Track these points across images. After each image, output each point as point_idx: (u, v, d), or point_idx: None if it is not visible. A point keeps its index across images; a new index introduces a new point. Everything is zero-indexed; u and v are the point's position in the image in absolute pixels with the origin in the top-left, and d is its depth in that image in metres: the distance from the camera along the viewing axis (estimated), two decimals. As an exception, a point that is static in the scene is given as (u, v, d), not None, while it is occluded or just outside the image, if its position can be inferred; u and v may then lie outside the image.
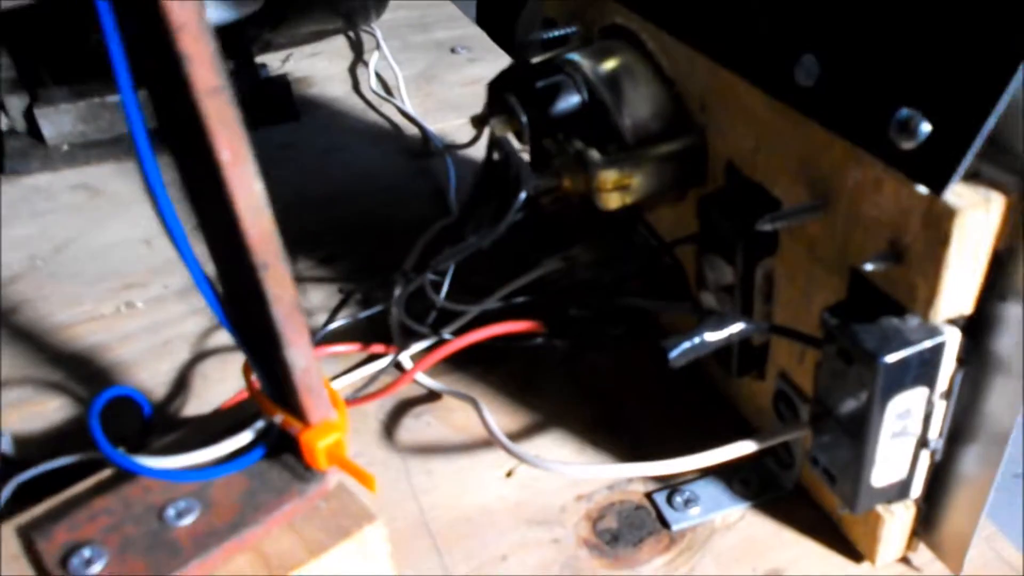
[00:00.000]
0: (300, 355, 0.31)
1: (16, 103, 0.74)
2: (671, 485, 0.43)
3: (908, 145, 0.28)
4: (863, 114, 0.29)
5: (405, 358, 0.49)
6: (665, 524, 0.42)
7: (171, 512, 0.34)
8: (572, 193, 0.40)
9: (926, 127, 0.27)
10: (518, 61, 0.43)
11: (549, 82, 0.40)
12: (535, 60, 0.43)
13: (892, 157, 0.28)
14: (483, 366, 0.50)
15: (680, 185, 0.40)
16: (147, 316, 0.57)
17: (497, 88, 0.42)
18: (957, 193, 0.28)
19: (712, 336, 0.33)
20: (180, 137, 0.28)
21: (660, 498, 0.43)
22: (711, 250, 0.38)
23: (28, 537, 0.35)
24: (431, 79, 0.84)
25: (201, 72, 0.25)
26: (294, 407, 0.33)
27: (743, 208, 0.36)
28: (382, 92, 0.80)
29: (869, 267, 0.30)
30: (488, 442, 0.46)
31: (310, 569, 0.34)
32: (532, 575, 0.40)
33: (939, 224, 0.28)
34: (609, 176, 0.39)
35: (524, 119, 0.40)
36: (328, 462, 0.33)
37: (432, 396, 0.49)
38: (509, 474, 0.45)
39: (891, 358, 0.30)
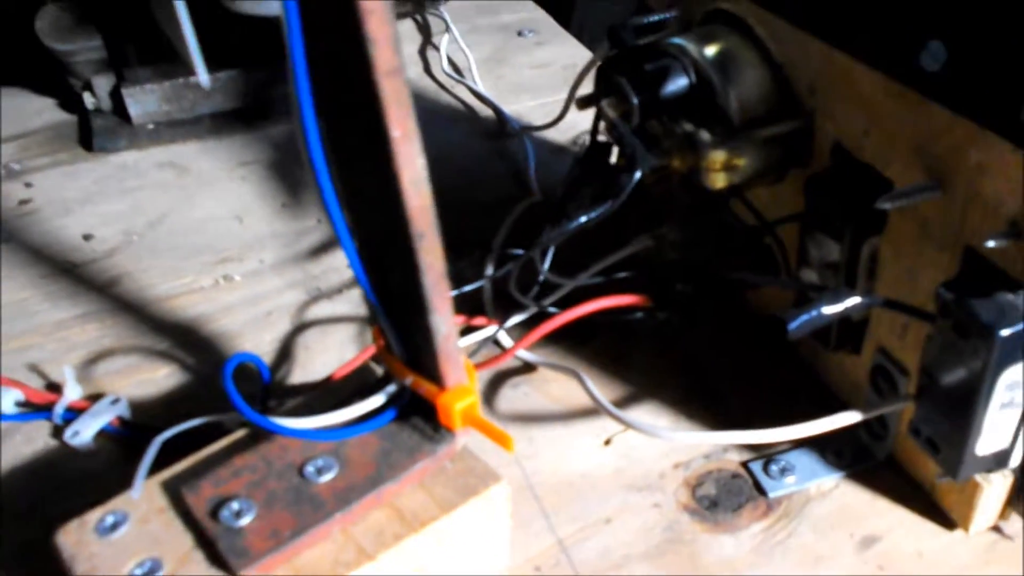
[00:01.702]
0: (443, 321, 0.33)
1: (103, 83, 0.76)
2: (766, 455, 0.45)
3: (1036, 127, 0.29)
4: (992, 98, 0.31)
5: (503, 334, 0.51)
6: (762, 492, 0.43)
7: (311, 469, 0.37)
8: (680, 172, 0.42)
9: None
10: (623, 44, 0.44)
11: (658, 65, 0.42)
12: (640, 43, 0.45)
13: (1021, 138, 0.30)
14: (576, 340, 0.52)
15: (784, 166, 0.42)
16: (246, 289, 0.59)
17: (607, 71, 0.44)
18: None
19: (829, 309, 0.35)
20: (349, 116, 0.30)
21: (756, 467, 0.44)
22: (817, 228, 0.40)
23: (176, 491, 0.37)
24: (501, 62, 0.85)
25: (384, 54, 0.27)
26: (430, 371, 0.35)
27: (853, 188, 0.38)
28: (454, 74, 0.82)
29: (991, 244, 0.31)
30: (585, 412, 0.48)
31: (442, 524, 0.36)
32: (636, 538, 0.42)
33: (1062, 203, 0.30)
34: (718, 156, 0.40)
35: (635, 101, 0.42)
36: (463, 423, 0.36)
37: (528, 368, 0.51)
38: (607, 442, 0.47)
39: (1007, 331, 0.32)
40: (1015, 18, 0.30)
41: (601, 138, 0.48)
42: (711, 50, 0.42)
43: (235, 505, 0.36)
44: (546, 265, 0.48)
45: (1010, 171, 0.31)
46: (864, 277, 0.39)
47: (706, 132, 0.41)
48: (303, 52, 0.28)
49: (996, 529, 0.41)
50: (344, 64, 0.28)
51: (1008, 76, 0.30)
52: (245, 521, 0.35)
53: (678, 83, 0.42)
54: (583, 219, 0.42)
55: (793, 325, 0.35)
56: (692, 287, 0.43)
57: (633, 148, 0.40)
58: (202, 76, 0.58)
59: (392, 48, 0.27)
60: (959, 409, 0.35)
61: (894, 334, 0.40)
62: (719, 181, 0.41)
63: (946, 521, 0.42)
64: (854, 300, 0.35)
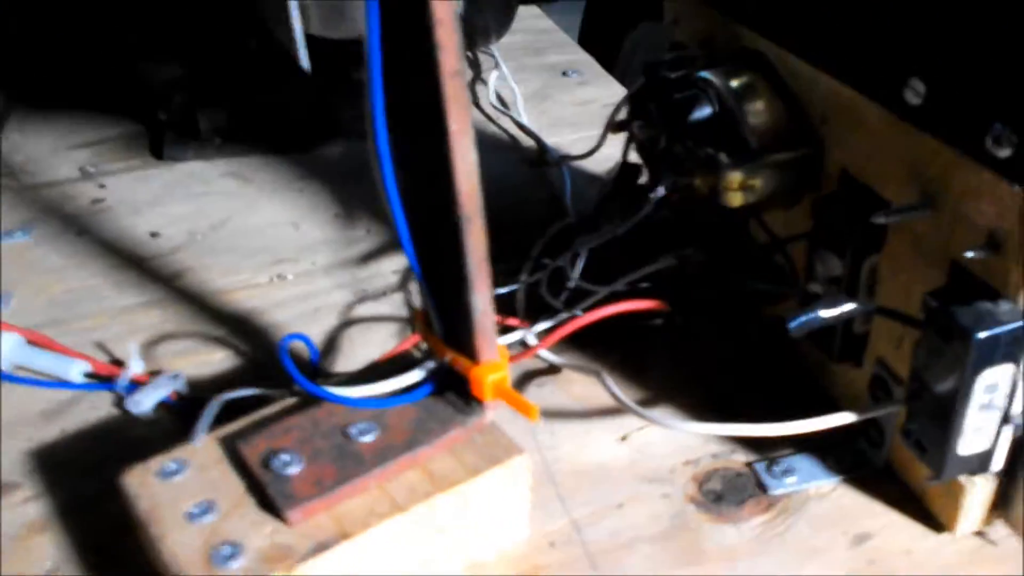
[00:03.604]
0: (482, 300, 0.38)
1: (177, 100, 0.83)
2: (770, 457, 0.48)
3: (1004, 153, 0.34)
4: (965, 128, 0.35)
5: (531, 335, 0.56)
6: (764, 489, 0.47)
7: (354, 431, 0.41)
8: (701, 193, 0.46)
9: (1015, 139, 0.33)
10: (657, 77, 0.49)
11: (685, 95, 0.46)
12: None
13: (991, 162, 0.34)
14: (599, 347, 0.56)
15: (797, 188, 0.46)
16: (297, 287, 0.64)
17: (638, 98, 0.48)
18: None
19: (826, 312, 0.39)
20: (412, 112, 0.34)
21: (760, 467, 0.48)
22: (823, 246, 0.44)
23: (232, 444, 0.42)
24: (545, 98, 0.91)
25: (449, 58, 0.31)
26: (466, 347, 0.40)
27: (856, 208, 0.42)
28: (500, 107, 0.87)
29: (970, 255, 0.35)
30: (604, 411, 0.52)
31: (468, 487, 0.40)
32: (645, 522, 0.46)
33: (1033, 219, 0.34)
34: (735, 177, 0.45)
35: (663, 126, 0.46)
36: (494, 395, 0.40)
37: (553, 369, 0.55)
38: (624, 438, 0.50)
39: (983, 334, 0.35)
40: (977, 58, 0.34)
41: (631, 160, 0.53)
42: (734, 83, 0.47)
43: (285, 457, 0.40)
44: (576, 272, 0.52)
45: (986, 191, 0.35)
46: (864, 291, 0.43)
47: (725, 155, 0.45)
48: (379, 54, 0.33)
49: (981, 534, 0.44)
50: (413, 68, 0.33)
51: (975, 108, 0.34)
52: (293, 471, 0.39)
53: (703, 111, 0.46)
54: (610, 228, 0.46)
55: (794, 324, 0.39)
56: (708, 294, 0.47)
57: (657, 168, 0.44)
58: (303, 62, 0.64)
59: (457, 53, 0.32)
60: (943, 410, 0.38)
61: (891, 345, 0.44)
62: (736, 200, 0.45)
63: (935, 524, 0.45)
64: (849, 305, 0.39)
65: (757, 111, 0.46)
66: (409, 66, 0.33)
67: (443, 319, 0.41)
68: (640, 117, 0.48)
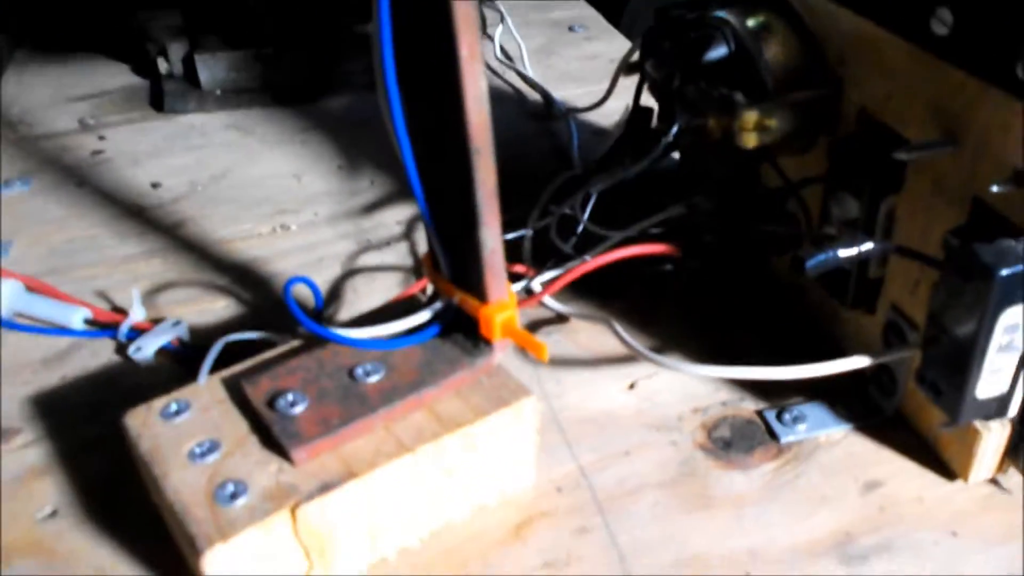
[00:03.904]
0: (491, 236, 0.37)
1: (176, 50, 0.81)
2: (780, 405, 0.48)
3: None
4: (993, 56, 0.34)
5: (537, 283, 0.55)
6: (774, 437, 0.46)
7: (360, 371, 0.40)
8: (714, 135, 0.45)
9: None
10: (670, 18, 0.48)
11: (701, 34, 0.45)
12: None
13: (1021, 91, 0.33)
14: (607, 296, 0.55)
15: (813, 130, 0.45)
16: (300, 237, 0.63)
17: (652, 39, 0.47)
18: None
19: (845, 251, 0.38)
20: (422, 37, 0.33)
21: (770, 415, 0.47)
22: (840, 187, 0.43)
23: (237, 384, 0.41)
24: (551, 53, 0.89)
25: (459, -23, 0.30)
26: (475, 286, 0.39)
27: (875, 147, 0.41)
28: (506, 61, 0.86)
29: (995, 189, 0.34)
30: (612, 359, 0.51)
31: (475, 428, 0.39)
32: (653, 469, 0.45)
33: (1061, 152, 0.33)
34: (751, 116, 0.44)
35: (677, 64, 0.45)
36: (503, 334, 0.39)
37: (560, 318, 0.54)
38: (631, 386, 0.50)
39: (1006, 271, 0.34)
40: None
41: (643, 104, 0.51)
42: (750, 22, 0.45)
43: (290, 396, 0.39)
44: (586, 215, 0.51)
45: (1014, 124, 0.34)
46: (881, 234, 0.42)
47: (741, 94, 0.44)
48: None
49: (994, 482, 0.43)
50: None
51: (1005, 35, 0.33)
52: (298, 410, 0.39)
53: (718, 51, 0.45)
54: (623, 170, 0.45)
55: (810, 263, 0.38)
56: (719, 238, 0.46)
57: (671, 107, 0.43)
58: None
59: (465, -26, 0.31)
60: (961, 352, 0.38)
61: (907, 290, 0.43)
62: (751, 140, 0.44)
63: (947, 472, 0.44)
64: (868, 244, 0.38)
65: (773, 50, 0.45)
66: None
67: (451, 259, 0.40)
68: (653, 57, 0.46)
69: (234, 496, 0.36)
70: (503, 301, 0.39)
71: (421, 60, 0.34)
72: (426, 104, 0.36)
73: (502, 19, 0.92)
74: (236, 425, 0.40)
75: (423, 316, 0.42)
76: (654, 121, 0.53)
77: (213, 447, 0.38)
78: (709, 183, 0.52)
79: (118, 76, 0.86)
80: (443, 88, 0.33)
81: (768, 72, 0.44)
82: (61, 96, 0.83)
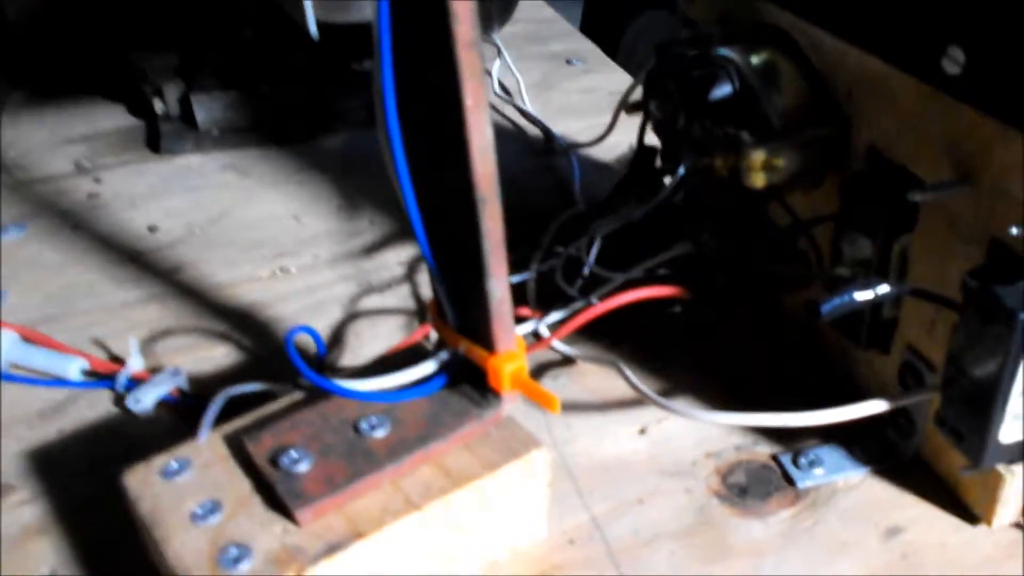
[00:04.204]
0: (499, 286, 0.36)
1: (172, 90, 0.81)
2: (795, 449, 0.47)
3: (1054, 124, 0.32)
4: (1010, 96, 0.33)
5: (543, 326, 0.54)
6: (790, 482, 0.45)
7: (365, 426, 0.39)
8: (720, 174, 0.45)
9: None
10: (671, 56, 0.47)
11: (704, 72, 0.45)
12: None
13: (1040, 133, 0.32)
14: (614, 338, 0.54)
15: (821, 168, 0.44)
16: (300, 280, 0.62)
17: (654, 78, 0.46)
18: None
19: (861, 295, 0.37)
20: (424, 91, 0.33)
21: (786, 459, 0.46)
22: (851, 227, 0.42)
23: (238, 441, 0.40)
24: (549, 87, 0.89)
25: (465, 28, 0.30)
26: (482, 336, 0.38)
27: (886, 187, 0.40)
28: (504, 95, 0.85)
29: (1015, 231, 0.33)
30: (621, 403, 0.50)
31: (485, 482, 0.38)
32: (668, 518, 0.44)
33: (1082, 193, 0.32)
34: (758, 156, 0.43)
35: (682, 104, 0.44)
36: (512, 385, 0.38)
37: (567, 361, 0.53)
38: (642, 431, 0.49)
39: (1029, 315, 0.34)
40: (1021, 23, 0.32)
41: (646, 143, 0.51)
42: (755, 60, 0.45)
43: (293, 454, 0.38)
44: (592, 258, 0.50)
45: (1034, 163, 0.33)
46: (895, 274, 0.41)
47: (747, 133, 0.43)
48: (390, 29, 0.31)
49: (1018, 526, 0.42)
50: (425, 40, 0.31)
51: (1018, 75, 0.32)
52: (302, 468, 0.38)
53: (723, 89, 0.45)
54: (626, 212, 0.44)
55: (826, 308, 0.37)
56: (731, 281, 0.45)
57: (677, 148, 0.42)
58: (312, 30, 0.63)
59: (472, 24, 0.30)
60: (982, 396, 0.37)
61: (923, 330, 0.42)
62: (759, 180, 0.43)
63: (970, 516, 0.43)
64: (884, 288, 0.37)
65: (779, 88, 0.44)
66: (421, 42, 0.31)
67: (457, 308, 0.39)
68: (657, 97, 0.46)
69: (238, 560, 0.35)
70: (512, 351, 0.38)
71: (424, 105, 0.34)
72: (429, 151, 0.35)
73: (499, 53, 0.91)
74: (238, 484, 0.38)
75: (429, 367, 0.41)
76: (658, 160, 0.52)
77: (215, 508, 0.37)
78: (716, 222, 0.51)
79: (114, 117, 0.86)
80: (447, 135, 0.33)
81: (774, 110, 0.44)
82: (57, 138, 0.82)
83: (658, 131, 0.47)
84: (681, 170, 0.43)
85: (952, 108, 0.36)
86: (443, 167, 0.34)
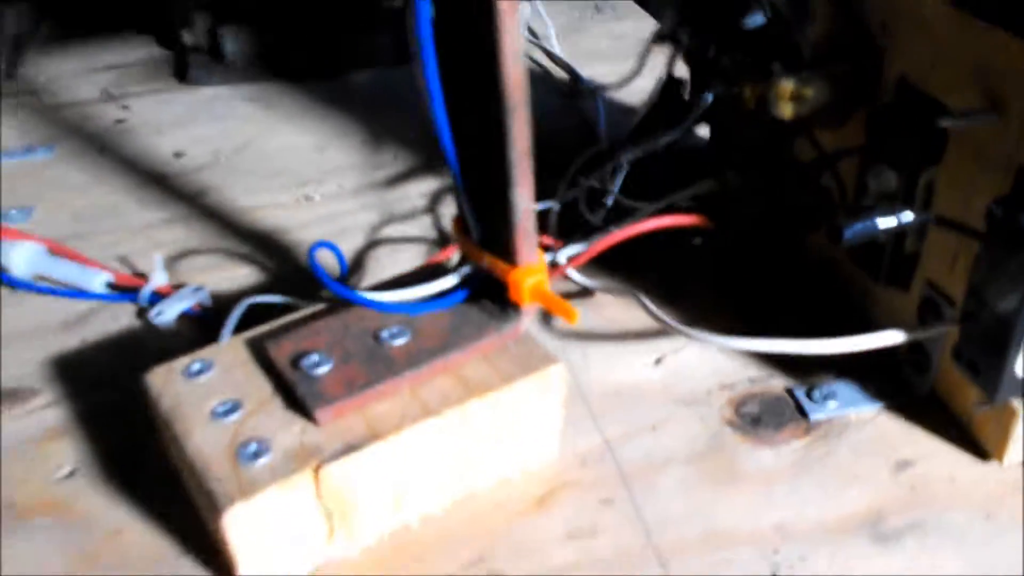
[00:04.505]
0: (524, 197, 0.36)
1: (201, 22, 0.81)
2: (810, 382, 0.47)
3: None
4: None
5: (562, 256, 0.54)
6: (803, 414, 0.45)
7: (385, 335, 0.40)
8: (748, 103, 0.44)
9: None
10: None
11: (738, 2, 0.44)
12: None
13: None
14: (634, 270, 0.54)
15: (850, 100, 0.44)
16: (323, 208, 0.62)
17: (687, 6, 0.46)
18: None
19: (884, 221, 0.37)
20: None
21: (800, 392, 0.46)
22: (878, 159, 0.42)
23: (260, 345, 0.40)
24: (578, 31, 0.89)
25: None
26: (504, 250, 0.38)
27: (916, 117, 0.40)
28: (532, 39, 0.85)
29: (1043, 156, 0.33)
30: (638, 333, 0.51)
31: (502, 394, 0.39)
32: (680, 444, 0.44)
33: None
34: (787, 85, 0.43)
35: (713, 33, 0.44)
36: (532, 298, 0.38)
37: (586, 292, 0.53)
38: (658, 361, 0.49)
39: (1054, 242, 0.34)
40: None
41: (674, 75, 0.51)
42: (788, -10, 0.45)
43: (314, 357, 0.39)
44: (616, 186, 0.51)
45: (1065, 86, 0.33)
46: (920, 207, 0.41)
47: (777, 64, 0.43)
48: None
49: (1029, 464, 0.43)
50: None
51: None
52: (322, 371, 0.38)
53: (755, 19, 0.44)
54: (654, 140, 0.44)
55: (848, 232, 0.37)
56: (754, 213, 0.45)
57: (704, 75, 0.42)
58: None
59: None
60: (1001, 327, 0.37)
61: (944, 265, 0.42)
62: (787, 110, 0.43)
63: (981, 452, 0.43)
64: (908, 214, 0.37)
65: (812, 19, 0.44)
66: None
67: (481, 222, 0.39)
68: (689, 25, 0.46)
69: (256, 455, 0.36)
70: (533, 265, 0.38)
71: (457, 14, 0.34)
72: (461, 61, 0.35)
73: (529, -2, 0.91)
74: (259, 385, 0.39)
75: (450, 280, 0.41)
76: (686, 93, 0.52)
77: (236, 407, 0.38)
78: (741, 157, 0.51)
79: (142, 48, 0.86)
80: (479, 43, 0.33)
81: (806, 41, 0.43)
82: (85, 67, 0.83)
83: (688, 61, 0.47)
84: (709, 98, 0.42)
85: (985, 34, 0.36)
86: (473, 76, 0.34)
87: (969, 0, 0.36)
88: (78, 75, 0.82)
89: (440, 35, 0.34)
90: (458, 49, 0.35)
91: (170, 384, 0.39)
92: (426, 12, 0.33)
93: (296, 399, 0.38)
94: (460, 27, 0.34)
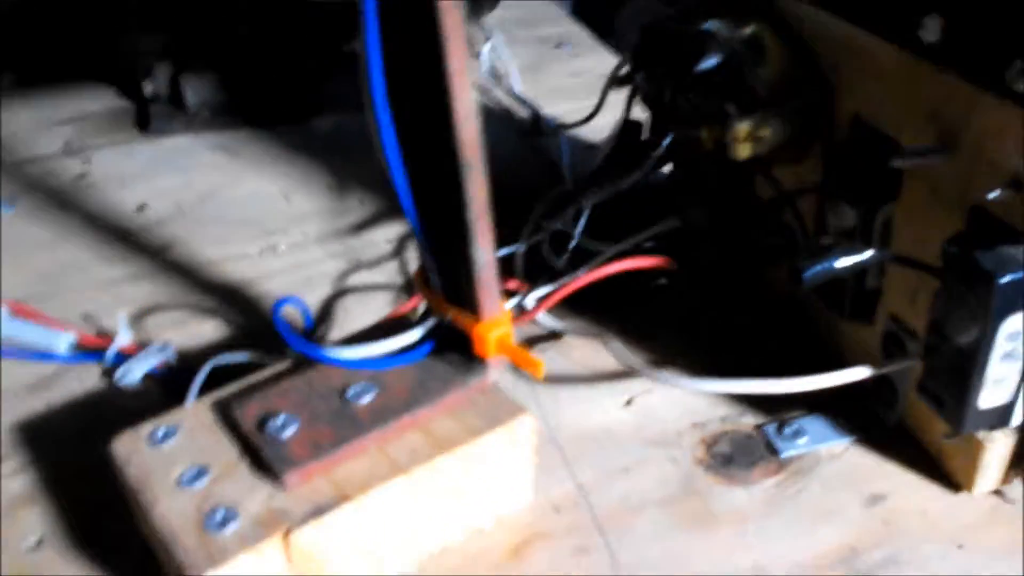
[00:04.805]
0: (484, 252, 0.36)
1: (162, 71, 0.80)
2: (780, 419, 0.47)
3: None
4: (984, 62, 0.34)
5: (530, 300, 0.54)
6: (774, 452, 0.45)
7: (351, 392, 0.39)
8: (706, 145, 0.45)
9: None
10: (659, 31, 0.47)
11: (692, 45, 0.45)
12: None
13: (1013, 97, 0.33)
14: (601, 312, 0.54)
15: (806, 138, 0.44)
16: (289, 257, 0.62)
17: (642, 52, 0.47)
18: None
19: (842, 261, 0.37)
20: (410, 54, 0.33)
21: (770, 429, 0.46)
22: (835, 196, 0.42)
23: (225, 408, 0.40)
24: (539, 69, 0.89)
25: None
26: (468, 302, 0.38)
27: (870, 155, 0.40)
28: (494, 79, 0.86)
29: (992, 196, 0.34)
30: (608, 375, 0.51)
31: (470, 448, 0.39)
32: (653, 486, 0.44)
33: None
34: (743, 127, 0.43)
35: (669, 76, 0.45)
36: (498, 351, 0.38)
37: (554, 335, 0.53)
38: (629, 402, 0.49)
39: (1007, 278, 0.34)
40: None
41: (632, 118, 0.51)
42: (742, 32, 0.45)
43: (280, 419, 0.38)
44: (579, 230, 0.51)
45: (1008, 129, 0.34)
46: (879, 243, 0.42)
47: (733, 105, 0.43)
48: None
49: (998, 493, 0.43)
50: (407, 11, 0.31)
51: (994, 41, 0.33)
52: (289, 433, 0.38)
53: (709, 62, 0.45)
54: (613, 185, 0.44)
55: (807, 274, 0.37)
56: (716, 253, 0.45)
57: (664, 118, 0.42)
58: None
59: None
60: (963, 361, 0.37)
61: (905, 300, 0.42)
62: (744, 151, 0.44)
63: (951, 484, 0.43)
64: (867, 253, 0.38)
65: (764, 60, 0.44)
66: (404, 10, 0.31)
67: (443, 275, 0.39)
68: (644, 70, 0.46)
69: (224, 522, 0.35)
70: (497, 317, 0.38)
71: (410, 77, 0.34)
72: (415, 121, 0.35)
73: (488, 38, 0.91)
74: (225, 449, 0.39)
75: (415, 334, 0.41)
76: (644, 134, 0.52)
77: (202, 472, 0.37)
78: (702, 195, 0.51)
79: (103, 99, 0.86)
80: (432, 104, 0.33)
81: (760, 82, 0.44)
82: (45, 119, 0.82)
83: (646, 103, 0.47)
84: (667, 141, 0.43)
85: (933, 75, 0.37)
86: (428, 135, 0.34)
87: (915, 43, 0.37)
88: (39, 128, 0.81)
89: (394, 97, 0.34)
90: (412, 111, 0.35)
91: (136, 452, 0.39)
92: (379, 79, 0.33)
93: (263, 462, 0.37)
94: (414, 90, 0.34)
